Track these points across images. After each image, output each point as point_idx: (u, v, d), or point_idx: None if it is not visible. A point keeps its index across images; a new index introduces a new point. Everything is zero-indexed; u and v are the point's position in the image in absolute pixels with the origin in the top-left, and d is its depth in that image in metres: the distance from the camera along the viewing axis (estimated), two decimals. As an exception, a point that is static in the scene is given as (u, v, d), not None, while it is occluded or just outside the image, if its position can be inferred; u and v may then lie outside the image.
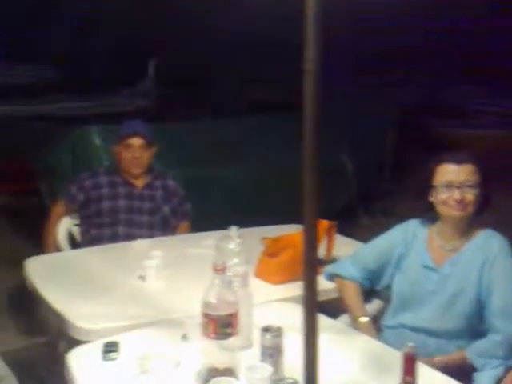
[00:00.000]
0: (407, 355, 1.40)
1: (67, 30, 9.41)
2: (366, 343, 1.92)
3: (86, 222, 3.19)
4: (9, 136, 6.56)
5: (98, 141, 4.28)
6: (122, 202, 3.13)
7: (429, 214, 2.14)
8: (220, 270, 1.63)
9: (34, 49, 9.64)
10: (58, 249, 3.17)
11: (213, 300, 1.62)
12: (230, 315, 1.61)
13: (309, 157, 1.37)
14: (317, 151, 1.37)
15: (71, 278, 2.51)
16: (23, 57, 9.82)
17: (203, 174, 4.29)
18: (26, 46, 9.56)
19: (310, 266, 1.39)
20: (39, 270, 2.56)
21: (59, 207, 3.29)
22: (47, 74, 10.31)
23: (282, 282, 2.39)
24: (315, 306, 1.37)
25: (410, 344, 1.41)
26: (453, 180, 2.03)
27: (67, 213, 3.27)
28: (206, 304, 1.63)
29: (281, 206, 4.43)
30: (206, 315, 1.62)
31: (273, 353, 1.63)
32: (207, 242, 2.74)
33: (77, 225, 3.29)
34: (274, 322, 1.72)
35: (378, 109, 5.58)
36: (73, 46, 9.43)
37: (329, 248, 2.49)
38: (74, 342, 2.17)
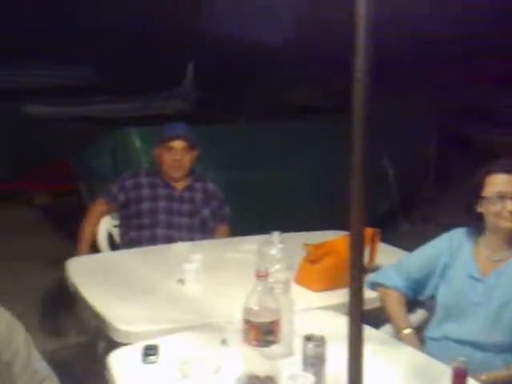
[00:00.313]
0: (457, 370, 1.35)
1: (108, 32, 9.52)
2: (410, 355, 1.87)
3: (125, 223, 3.19)
4: (50, 137, 6.67)
5: (137, 143, 4.31)
6: (161, 204, 3.13)
7: (476, 223, 2.08)
8: (262, 276, 1.61)
9: (74, 51, 9.79)
10: (93, 247, 3.18)
11: (254, 306, 1.60)
12: (272, 322, 1.59)
13: (357, 164, 1.35)
14: (365, 158, 1.34)
15: (111, 280, 2.51)
16: (64, 59, 9.98)
17: (242, 177, 4.28)
18: (67, 48, 9.71)
19: (356, 274, 1.36)
20: (80, 271, 2.57)
21: (99, 206, 3.29)
22: (88, 76, 10.46)
23: (324, 289, 2.35)
24: (361, 317, 1.34)
25: (461, 358, 1.37)
26: (505, 191, 1.98)
27: (107, 212, 3.28)
28: (248, 310, 1.60)
29: (321, 210, 4.42)
30: (247, 322, 1.60)
31: (315, 362, 1.60)
32: (247, 246, 2.73)
33: (116, 226, 3.31)
34: (314, 330, 1.69)
35: (420, 114, 5.51)
36: (113, 49, 9.54)
37: (372, 256, 2.44)
38: (113, 343, 2.18)
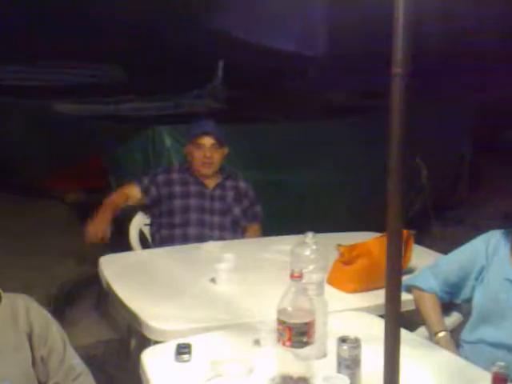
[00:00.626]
0: (497, 376, 1.33)
1: (138, 30, 9.58)
2: (446, 358, 1.84)
3: (156, 222, 3.20)
4: (81, 135, 6.74)
5: (168, 141, 4.34)
6: (193, 201, 3.13)
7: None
8: (297, 276, 1.60)
9: (104, 49, 9.86)
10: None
11: (289, 307, 1.59)
12: (307, 323, 1.58)
13: (394, 163, 1.33)
14: (403, 157, 1.33)
15: (144, 278, 2.53)
16: (94, 57, 10.07)
17: (273, 176, 4.27)
18: (97, 46, 9.79)
19: (394, 276, 1.35)
20: (113, 269, 2.59)
21: (130, 188, 3.23)
22: (118, 75, 10.54)
23: (356, 290, 2.34)
24: (398, 319, 1.33)
25: (501, 363, 1.34)
26: None
27: (135, 198, 3.20)
28: (282, 311, 1.60)
29: (353, 211, 4.39)
30: (281, 322, 1.59)
31: (350, 364, 1.59)
32: (279, 246, 2.72)
33: (147, 224, 3.32)
34: (348, 331, 1.68)
35: (455, 114, 5.44)
36: (143, 47, 9.59)
37: (406, 258, 2.41)
38: (145, 341, 2.20)
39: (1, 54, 8.86)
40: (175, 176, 3.20)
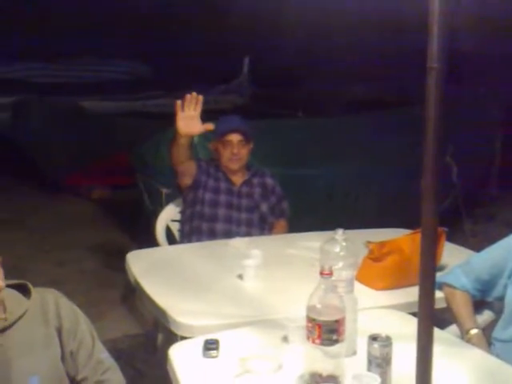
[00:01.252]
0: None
1: (164, 27, 9.61)
2: (478, 357, 1.81)
3: (188, 211, 3.16)
4: (108, 132, 6.79)
5: (195, 136, 4.33)
6: (222, 197, 3.13)
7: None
8: (327, 274, 1.58)
9: (130, 46, 9.92)
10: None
11: (318, 305, 1.57)
12: (337, 321, 1.56)
13: (430, 160, 1.31)
14: (439, 154, 1.30)
15: (171, 273, 2.52)
16: (120, 54, 10.13)
17: (300, 172, 4.25)
18: (123, 43, 9.84)
19: (428, 274, 1.32)
20: (140, 264, 2.60)
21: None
22: (144, 71, 10.60)
23: (385, 288, 2.31)
24: (432, 318, 1.30)
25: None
26: None
27: (193, 168, 3.13)
28: (312, 308, 1.58)
29: (379, 207, 4.35)
30: (311, 320, 1.57)
31: (381, 363, 1.57)
32: (306, 243, 2.70)
33: (174, 220, 3.32)
34: (377, 329, 1.66)
35: (486, 110, 5.36)
36: (169, 43, 9.62)
37: (437, 255, 2.38)
38: (172, 336, 2.20)
39: (28, 51, 8.97)
40: (211, 169, 3.20)
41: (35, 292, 1.70)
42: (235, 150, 3.14)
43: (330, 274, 1.59)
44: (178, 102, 2.86)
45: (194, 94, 2.87)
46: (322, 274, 1.58)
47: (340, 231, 1.79)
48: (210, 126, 2.96)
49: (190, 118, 2.87)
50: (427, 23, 1.23)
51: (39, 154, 6.82)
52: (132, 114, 8.22)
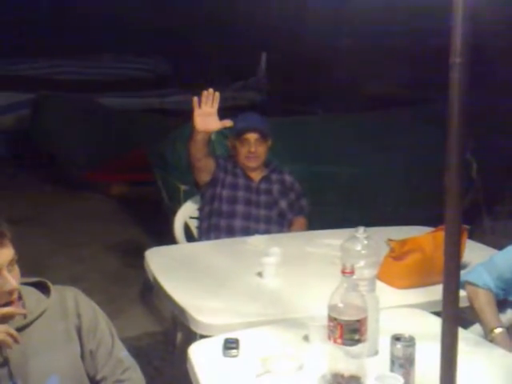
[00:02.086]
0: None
1: (182, 23, 9.60)
2: (503, 357, 1.78)
3: (206, 208, 3.15)
4: (127, 128, 6.80)
5: (212, 134, 4.31)
6: (240, 194, 3.11)
7: None
8: (349, 272, 1.56)
9: (148, 43, 9.92)
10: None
11: (340, 304, 1.55)
12: (359, 321, 1.53)
13: (453, 156, 1.28)
14: (462, 150, 1.27)
15: (189, 271, 2.51)
16: (139, 51, 10.15)
17: (318, 169, 4.22)
18: (141, 40, 9.85)
19: (453, 272, 1.29)
20: (159, 262, 2.58)
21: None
22: (162, 68, 10.61)
23: (406, 286, 2.28)
24: (457, 317, 1.27)
25: None
26: None
27: (211, 166, 3.12)
28: (333, 307, 1.56)
29: (400, 205, 4.31)
30: (332, 319, 1.55)
31: (404, 363, 1.54)
32: (326, 240, 2.68)
33: (193, 217, 3.31)
34: (399, 328, 1.63)
35: (507, 104, 5.28)
36: (186, 40, 9.61)
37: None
38: (191, 334, 2.18)
39: (47, 48, 9.02)
40: (229, 166, 3.18)
41: (54, 290, 1.69)
42: (252, 148, 3.12)
43: (352, 272, 1.56)
44: (195, 99, 2.85)
45: (211, 90, 2.86)
46: (343, 272, 1.56)
47: (361, 229, 1.76)
48: (229, 123, 2.95)
49: (207, 115, 2.86)
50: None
51: (58, 151, 6.86)
52: (150, 111, 8.23)
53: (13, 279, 1.52)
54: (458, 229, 1.29)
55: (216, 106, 2.88)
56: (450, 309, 1.28)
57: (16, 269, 1.57)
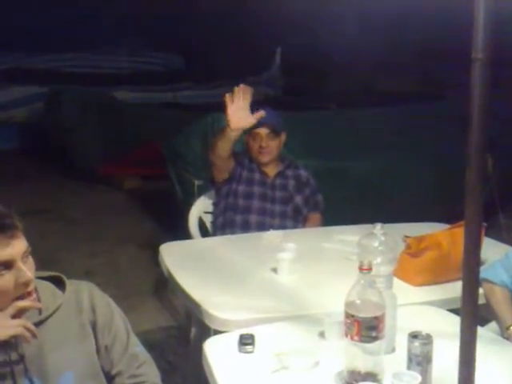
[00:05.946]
0: None
1: (196, 18, 9.59)
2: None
3: (221, 203, 3.14)
4: (140, 122, 6.81)
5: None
6: (256, 189, 3.10)
7: None
8: (366, 269, 1.55)
9: (162, 37, 9.92)
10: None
11: (357, 301, 1.54)
12: (376, 318, 1.52)
13: (474, 153, 1.27)
14: (484, 146, 1.26)
15: (204, 266, 2.51)
16: (152, 45, 10.15)
17: (332, 165, 4.20)
18: (155, 34, 9.86)
19: (472, 270, 1.28)
20: (174, 256, 2.58)
21: None
22: (176, 62, 10.61)
23: (423, 283, 2.26)
24: (476, 317, 1.26)
25: None
26: None
27: (231, 163, 3.10)
28: (350, 304, 1.55)
29: (415, 200, 4.28)
30: (349, 316, 1.54)
31: (421, 361, 1.53)
32: (342, 236, 2.67)
33: (207, 212, 3.30)
34: (416, 326, 1.62)
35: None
36: (200, 35, 9.60)
37: (477, 251, 2.32)
38: (206, 329, 2.18)
39: (60, 41, 9.04)
40: (246, 161, 3.17)
41: (69, 285, 1.68)
42: (264, 143, 3.11)
43: (370, 269, 1.55)
44: (228, 95, 2.85)
45: (242, 85, 2.86)
46: (361, 269, 1.55)
47: (378, 225, 1.75)
48: (262, 114, 2.94)
49: (240, 109, 2.86)
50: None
51: (72, 145, 6.87)
52: (164, 105, 8.24)
53: (28, 271, 1.52)
54: (478, 226, 1.28)
55: (249, 99, 2.88)
56: (468, 306, 1.27)
57: (30, 260, 1.56)
